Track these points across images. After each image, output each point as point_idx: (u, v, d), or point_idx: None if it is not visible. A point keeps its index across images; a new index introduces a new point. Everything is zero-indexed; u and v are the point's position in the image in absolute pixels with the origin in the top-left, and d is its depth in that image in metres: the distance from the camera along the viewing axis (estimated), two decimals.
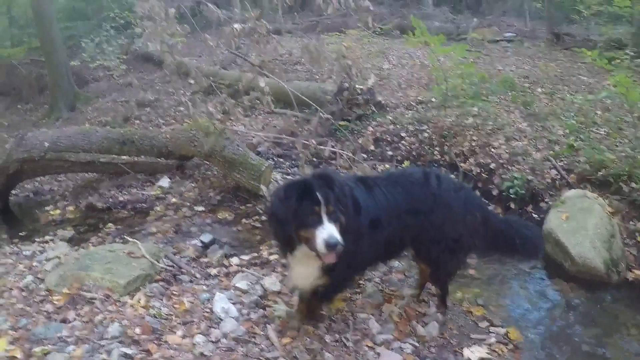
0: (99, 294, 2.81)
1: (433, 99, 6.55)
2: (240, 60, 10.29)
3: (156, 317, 2.63)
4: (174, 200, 4.97)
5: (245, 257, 3.58)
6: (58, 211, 5.23)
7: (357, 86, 6.31)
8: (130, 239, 3.56)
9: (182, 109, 8.32)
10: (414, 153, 5.38)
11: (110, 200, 5.21)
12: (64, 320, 2.61)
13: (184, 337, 2.50)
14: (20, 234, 4.69)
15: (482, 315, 2.90)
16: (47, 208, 5.36)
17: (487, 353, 2.53)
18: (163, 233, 4.19)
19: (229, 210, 4.70)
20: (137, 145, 5.49)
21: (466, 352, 2.52)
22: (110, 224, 4.58)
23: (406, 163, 5.21)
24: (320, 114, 5.77)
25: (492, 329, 2.77)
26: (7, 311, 2.73)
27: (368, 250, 2.47)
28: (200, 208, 4.74)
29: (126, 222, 4.69)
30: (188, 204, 4.85)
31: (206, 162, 5.46)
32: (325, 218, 2.09)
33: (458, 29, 12.47)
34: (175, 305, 2.79)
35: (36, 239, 4.36)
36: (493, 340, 2.65)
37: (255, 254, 3.65)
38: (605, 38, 9.23)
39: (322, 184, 2.18)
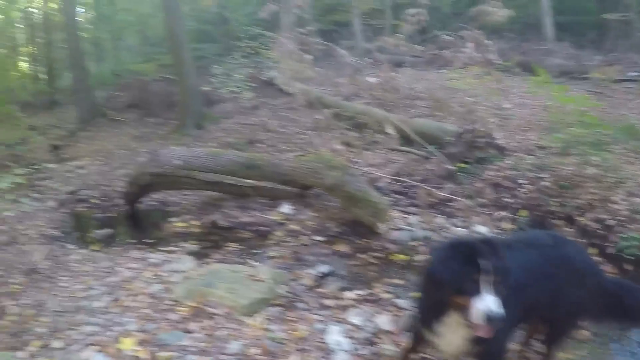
0: (221, 311, 3.10)
1: (552, 145, 6.40)
2: (362, 92, 10.66)
3: (274, 341, 2.86)
4: (293, 227, 5.22)
5: (361, 292, 3.70)
6: (183, 224, 5.69)
7: (479, 129, 6.34)
8: (254, 263, 3.88)
9: (304, 136, 8.70)
10: (531, 202, 5.29)
11: (233, 220, 5.57)
12: (188, 331, 2.90)
13: None
14: (145, 240, 5.15)
15: None
16: (172, 219, 5.86)
17: None
18: (282, 258, 4.44)
19: (346, 243, 4.85)
20: (262, 170, 5.87)
21: None
22: (231, 243, 4.92)
23: (523, 212, 5.14)
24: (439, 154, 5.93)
25: None
26: (135, 314, 3.10)
27: (515, 316, 2.35)
28: (319, 238, 4.95)
29: (247, 243, 5.01)
30: (307, 232, 5.08)
31: (330, 193, 5.70)
32: (487, 287, 2.01)
33: (580, 67, 11.97)
34: (291, 331, 3.00)
35: (161, 248, 4.79)
36: None
37: (370, 291, 3.76)
38: None
39: (488, 250, 2.10)
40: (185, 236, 5.33)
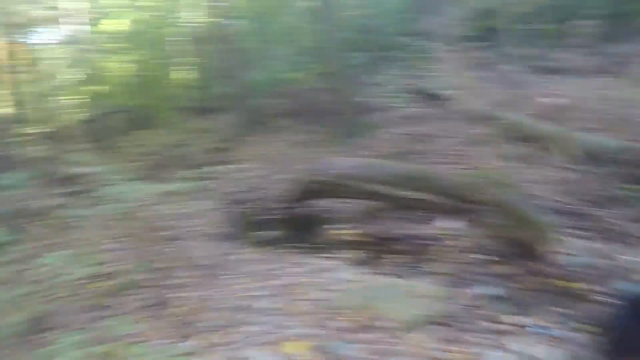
0: (383, 324, 3.19)
1: None
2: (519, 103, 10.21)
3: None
4: (450, 242, 5.20)
5: (525, 319, 3.59)
6: (346, 231, 5.87)
7: None
8: (415, 278, 3.92)
9: (460, 148, 8.53)
10: None
11: (392, 231, 5.68)
12: (351, 341, 3.03)
13: None
14: (306, 245, 5.38)
15: None
16: (330, 226, 6.07)
17: None
18: (443, 275, 4.43)
19: (510, 264, 4.68)
20: (421, 182, 5.87)
21: None
22: (391, 255, 5.01)
23: None
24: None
25: None
26: (297, 319, 3.28)
27: None
28: (481, 256, 4.87)
29: (406, 255, 5.04)
30: (468, 249, 5.03)
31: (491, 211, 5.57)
32: None
33: None
34: (449, 351, 3.02)
35: (322, 255, 4.98)
36: None
37: (535, 318, 3.64)
38: None
39: None
40: (344, 244, 5.49)
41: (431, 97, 11.82)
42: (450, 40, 10.58)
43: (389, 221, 5.90)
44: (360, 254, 5.12)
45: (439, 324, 3.36)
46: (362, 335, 3.09)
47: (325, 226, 6.14)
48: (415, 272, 4.46)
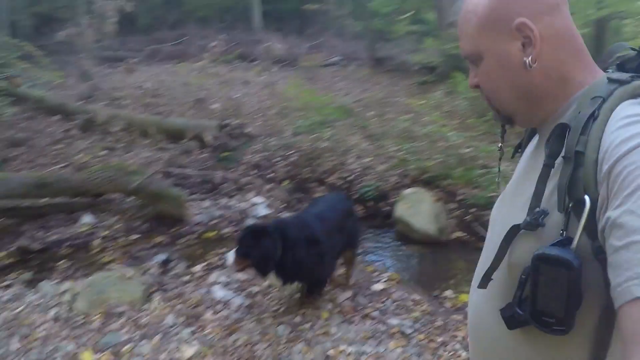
0: (125, 308, 3.99)
1: (287, 126, 8.22)
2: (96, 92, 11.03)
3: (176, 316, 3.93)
4: (105, 233, 5.93)
5: (201, 266, 4.88)
6: None
7: (232, 121, 7.76)
8: (115, 266, 4.70)
9: (60, 146, 8.89)
10: (289, 174, 6.98)
11: (43, 240, 5.91)
12: (114, 330, 3.75)
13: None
14: None
15: (373, 270, 4.78)
16: None
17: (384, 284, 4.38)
18: (119, 260, 5.25)
19: (161, 234, 5.83)
20: (53, 187, 6.30)
21: (373, 287, 4.35)
22: (60, 261, 5.34)
23: (285, 182, 6.81)
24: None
25: (382, 275, 4.65)
26: (58, 338, 3.69)
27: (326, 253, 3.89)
28: (135, 236, 5.82)
29: (74, 257, 5.47)
30: (121, 234, 5.89)
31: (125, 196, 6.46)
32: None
33: (290, 55, 14.21)
34: (176, 307, 4.10)
35: None
36: (385, 280, 4.52)
37: (205, 263, 4.96)
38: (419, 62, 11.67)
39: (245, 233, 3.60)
40: (4, 269, 5.29)
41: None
42: None
43: (35, 232, 6.08)
44: (31, 271, 5.18)
45: (157, 291, 4.35)
46: (117, 322, 3.81)
47: None
48: (95, 266, 5.12)
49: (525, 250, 0.86)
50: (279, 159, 7.33)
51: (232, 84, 10.87)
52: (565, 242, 0.80)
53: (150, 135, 8.15)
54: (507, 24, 0.94)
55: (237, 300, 4.08)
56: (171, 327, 3.75)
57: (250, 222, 5.79)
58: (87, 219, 6.28)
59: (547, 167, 0.89)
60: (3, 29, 12.79)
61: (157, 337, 3.61)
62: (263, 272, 3.56)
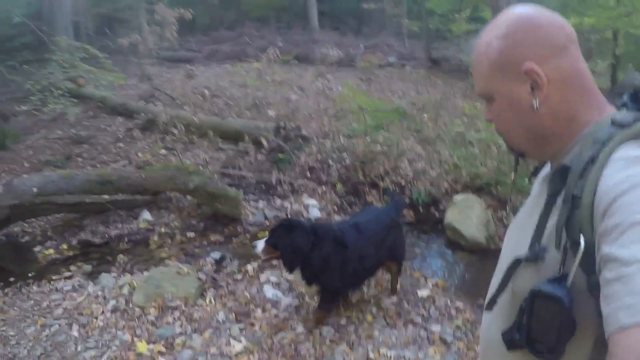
0: (177, 302, 4.13)
1: (343, 129, 8.26)
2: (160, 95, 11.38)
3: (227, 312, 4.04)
4: (163, 230, 6.15)
5: (251, 266, 4.96)
6: (52, 250, 5.94)
7: (289, 123, 7.86)
8: (172, 263, 4.88)
9: (121, 145, 9.25)
10: (343, 177, 7.02)
11: (104, 235, 6.23)
12: (168, 323, 3.90)
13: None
14: (29, 274, 5.26)
15: (419, 276, 4.76)
16: (37, 248, 5.98)
17: (429, 290, 4.36)
18: (176, 256, 5.42)
19: (216, 233, 5.98)
20: (115, 184, 6.56)
21: (419, 292, 4.32)
22: (120, 255, 5.58)
23: (339, 185, 6.85)
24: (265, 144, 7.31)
25: (428, 282, 4.62)
26: (115, 328, 3.89)
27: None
28: (191, 234, 6.00)
29: (132, 252, 5.70)
30: (177, 231, 6.09)
31: (183, 195, 6.67)
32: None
33: (348, 56, 14.21)
34: (233, 298, 4.23)
35: (55, 277, 5.06)
36: (430, 286, 4.51)
37: (257, 263, 4.98)
38: None
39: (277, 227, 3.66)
40: (67, 260, 5.62)
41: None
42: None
43: (97, 227, 6.38)
44: (86, 265, 5.39)
45: (210, 288, 4.48)
46: (171, 317, 3.96)
47: (31, 250, 5.93)
48: (151, 262, 5.32)
49: (525, 281, 0.92)
50: (332, 161, 7.37)
51: (289, 86, 10.98)
52: (561, 278, 0.85)
53: (208, 137, 8.35)
54: (516, 68, 0.98)
55: (286, 300, 4.15)
56: (222, 322, 3.86)
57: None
58: (146, 215, 6.54)
59: (549, 205, 0.94)
60: (67, 31, 13.35)
61: (208, 332, 3.73)
62: (290, 265, 3.59)
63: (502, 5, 9.55)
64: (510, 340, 0.93)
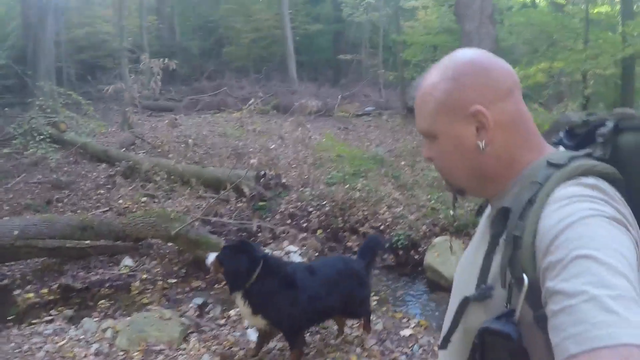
0: (163, 347, 4.16)
1: (322, 177, 8.44)
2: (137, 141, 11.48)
3: (211, 355, 4.07)
4: (144, 276, 6.16)
5: (234, 311, 4.95)
6: (32, 294, 5.88)
7: (269, 172, 8.02)
8: (155, 308, 4.90)
9: (102, 191, 9.27)
10: (323, 223, 7.15)
11: (84, 280, 6.18)
12: None
13: None
14: (8, 317, 5.24)
15: (402, 316, 4.88)
16: (15, 293, 5.91)
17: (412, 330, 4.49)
18: (158, 302, 5.44)
19: (198, 279, 6.03)
20: (96, 230, 6.60)
21: (402, 332, 4.44)
22: (101, 300, 5.59)
23: (319, 232, 6.97)
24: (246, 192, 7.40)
25: (411, 322, 4.74)
26: None
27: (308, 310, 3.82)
28: (173, 280, 6.03)
29: (113, 297, 5.70)
30: (159, 278, 6.10)
31: (165, 242, 6.71)
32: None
33: (325, 105, 14.53)
34: (217, 342, 4.26)
35: (32, 321, 5.01)
36: (413, 325, 4.62)
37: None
38: None
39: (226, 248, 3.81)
40: (47, 305, 5.59)
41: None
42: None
43: (77, 272, 6.36)
44: (72, 308, 5.43)
45: (194, 332, 4.51)
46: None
47: (15, 293, 5.92)
48: (134, 307, 5.34)
49: (476, 319, 0.94)
50: (312, 208, 7.51)
51: (269, 135, 11.15)
52: (508, 314, 0.88)
53: (189, 184, 8.43)
54: (463, 110, 1.01)
55: (270, 344, 4.20)
56: None
57: None
58: (127, 262, 6.54)
59: (492, 245, 0.97)
60: (49, 75, 13.49)
61: None
62: (230, 286, 3.66)
63: None
64: None
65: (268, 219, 7.34)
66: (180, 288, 5.87)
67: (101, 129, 10.87)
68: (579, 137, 1.09)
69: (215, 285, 5.83)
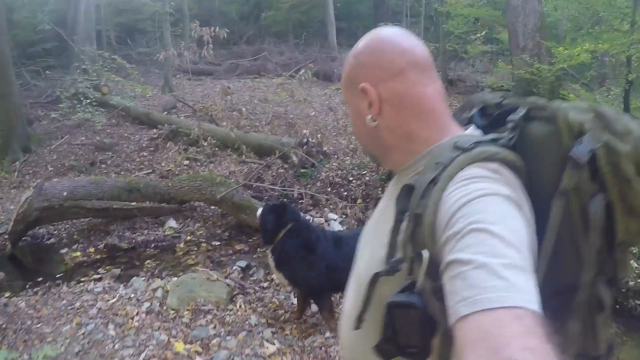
0: (210, 307, 4.28)
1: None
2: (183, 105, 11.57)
3: (258, 316, 4.19)
4: (189, 237, 6.32)
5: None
6: (79, 253, 6.15)
7: (311, 140, 8.04)
8: (202, 269, 5.04)
9: (144, 154, 9.45)
10: (363, 193, 7.17)
11: (131, 240, 6.39)
12: (202, 325, 4.05)
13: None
14: (57, 275, 5.43)
15: None
16: (64, 251, 6.22)
17: None
18: (202, 263, 5.57)
19: (241, 242, 6.14)
20: (142, 192, 6.77)
21: None
22: (147, 261, 5.75)
23: (359, 201, 7.00)
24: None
25: None
26: (151, 329, 4.01)
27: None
28: (216, 242, 6.15)
29: (159, 258, 5.86)
30: (203, 240, 6.23)
31: (208, 205, 6.84)
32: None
33: None
34: (262, 304, 4.38)
35: (81, 279, 5.20)
36: None
37: None
38: (491, 86, 11.62)
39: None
40: (94, 264, 5.80)
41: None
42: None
43: (123, 232, 6.55)
44: (114, 269, 5.52)
45: (239, 294, 4.63)
46: (204, 319, 4.10)
47: (59, 252, 6.22)
48: (179, 268, 5.48)
49: (387, 293, 0.95)
50: (353, 178, 7.52)
51: (309, 103, 11.12)
52: (410, 286, 0.91)
53: (240, 150, 8.48)
54: (356, 85, 1.11)
55: (314, 307, 4.28)
56: (254, 326, 3.99)
57: None
58: (172, 223, 6.71)
59: (398, 222, 1.00)
60: (90, 39, 13.61)
61: (242, 334, 3.85)
62: (262, 238, 4.06)
63: (517, 29, 9.70)
64: (384, 351, 0.97)
65: (309, 186, 7.38)
66: (223, 251, 5.98)
67: (146, 92, 10.96)
68: (490, 118, 1.14)
69: (258, 249, 5.94)
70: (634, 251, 4.87)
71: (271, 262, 3.94)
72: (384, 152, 1.16)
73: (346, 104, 1.22)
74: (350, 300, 1.22)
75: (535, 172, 1.00)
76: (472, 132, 1.12)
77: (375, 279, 1.03)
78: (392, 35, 1.14)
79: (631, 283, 4.82)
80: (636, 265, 4.99)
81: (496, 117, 1.12)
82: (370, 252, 1.13)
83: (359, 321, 1.09)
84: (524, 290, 0.76)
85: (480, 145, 0.99)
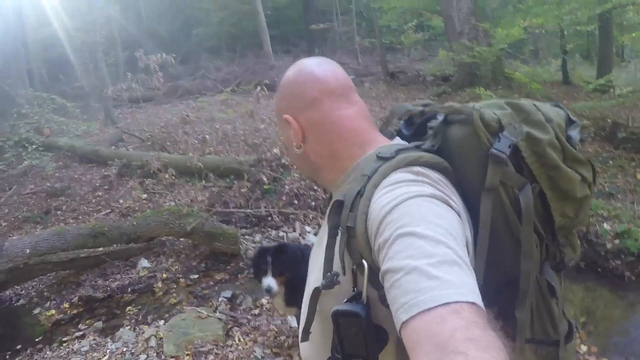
0: (210, 347, 4.20)
1: None
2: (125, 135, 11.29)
3: (261, 347, 4.14)
4: (165, 275, 6.16)
5: (265, 299, 5.02)
6: (53, 311, 5.84)
7: (267, 153, 7.99)
8: (189, 308, 4.93)
9: (99, 193, 9.16)
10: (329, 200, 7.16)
11: (106, 288, 6.14)
12: None
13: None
14: (32, 340, 5.18)
15: None
16: (35, 312, 5.89)
17: None
18: (186, 300, 5.45)
19: (219, 271, 6.04)
20: (107, 236, 6.52)
21: None
22: (128, 307, 5.54)
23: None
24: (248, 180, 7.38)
25: None
26: None
27: None
28: (195, 276, 6.04)
29: (138, 302, 5.68)
30: (180, 275, 6.11)
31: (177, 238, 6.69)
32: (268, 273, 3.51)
33: None
34: (259, 333, 4.32)
35: (63, 339, 4.98)
36: None
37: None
38: (433, 74, 11.84)
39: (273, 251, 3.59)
40: (72, 320, 5.53)
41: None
42: None
43: (95, 281, 6.34)
44: (95, 322, 5.34)
45: (234, 327, 4.56)
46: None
47: (30, 313, 5.91)
48: (164, 309, 5.35)
49: (329, 306, 0.97)
50: (316, 186, 7.50)
51: (257, 115, 11.02)
52: (356, 296, 0.95)
53: (202, 175, 8.28)
54: (281, 117, 1.20)
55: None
56: (261, 358, 3.95)
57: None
58: (144, 263, 6.52)
59: (332, 237, 1.03)
60: (22, 79, 13.08)
61: None
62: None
63: (453, 14, 9.93)
64: None
65: (275, 201, 7.33)
66: (204, 283, 5.86)
67: (94, 129, 10.64)
68: (414, 127, 1.21)
69: (239, 275, 5.87)
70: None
71: (280, 302, 3.70)
72: (316, 173, 1.23)
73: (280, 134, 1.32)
74: (302, 313, 1.24)
75: (463, 173, 1.04)
76: (398, 142, 1.16)
77: (316, 293, 1.07)
78: (308, 66, 1.21)
79: (609, 245, 5.03)
80: (609, 227, 5.20)
81: (419, 126, 1.20)
82: (317, 268, 1.15)
83: (306, 333, 1.14)
84: (456, 285, 0.78)
85: (402, 152, 1.04)
